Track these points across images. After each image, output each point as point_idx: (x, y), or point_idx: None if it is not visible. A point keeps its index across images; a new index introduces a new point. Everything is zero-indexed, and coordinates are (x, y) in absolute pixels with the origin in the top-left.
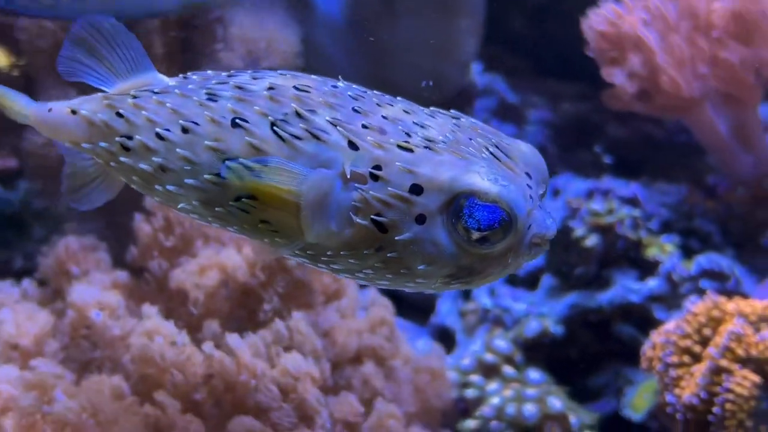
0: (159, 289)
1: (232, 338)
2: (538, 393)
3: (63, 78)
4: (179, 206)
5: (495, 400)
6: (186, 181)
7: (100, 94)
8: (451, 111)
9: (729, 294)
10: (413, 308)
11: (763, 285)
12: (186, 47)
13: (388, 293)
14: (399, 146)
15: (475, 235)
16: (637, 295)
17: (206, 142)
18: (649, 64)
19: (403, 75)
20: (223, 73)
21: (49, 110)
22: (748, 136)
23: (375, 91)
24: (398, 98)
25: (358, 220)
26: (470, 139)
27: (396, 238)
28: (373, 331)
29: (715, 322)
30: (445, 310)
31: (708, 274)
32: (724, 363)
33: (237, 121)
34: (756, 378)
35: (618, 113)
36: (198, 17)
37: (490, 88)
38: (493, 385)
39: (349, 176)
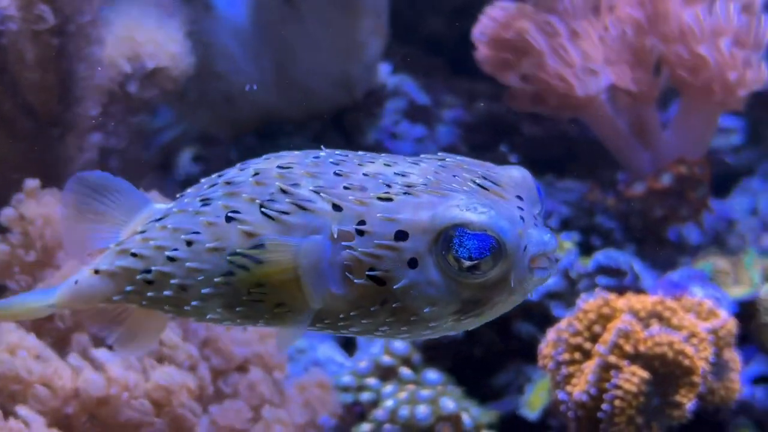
0: None
1: (100, 352)
2: (433, 394)
3: (68, 253)
4: (208, 317)
5: (389, 403)
6: (203, 291)
7: (109, 248)
8: (438, 153)
9: (625, 290)
10: None
11: (663, 279)
12: (60, 53)
13: None
14: (379, 198)
15: (466, 264)
16: (534, 292)
17: (208, 246)
18: (539, 67)
19: (309, 76)
20: (214, 175)
21: (76, 283)
22: (646, 133)
23: (358, 152)
24: (381, 154)
25: (355, 280)
26: (454, 176)
27: (394, 287)
28: (263, 341)
29: (605, 319)
30: None
31: (604, 270)
32: (612, 359)
33: (229, 215)
34: (644, 374)
35: (533, 113)
36: (70, 22)
37: (400, 90)
38: (388, 388)
39: (336, 236)
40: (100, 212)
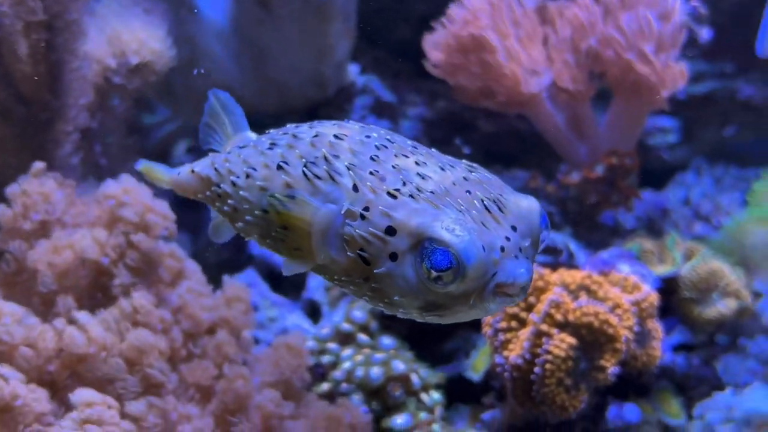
0: (19, 271)
1: (81, 314)
2: (386, 357)
3: (200, 144)
4: (248, 239)
5: (346, 365)
6: (246, 218)
7: (210, 153)
8: (473, 165)
9: (560, 266)
10: (289, 285)
11: (595, 257)
12: (50, 47)
13: (264, 269)
14: (388, 193)
15: (431, 274)
16: None
17: (258, 183)
18: (489, 66)
19: (284, 74)
20: (292, 125)
21: (179, 173)
22: (583, 127)
23: (408, 142)
24: (424, 150)
25: (348, 253)
26: (468, 191)
27: (375, 271)
28: (229, 306)
29: (540, 291)
30: (314, 286)
31: (543, 248)
32: (544, 327)
33: (281, 164)
34: (572, 340)
35: (488, 111)
36: (58, 18)
37: (368, 88)
38: (347, 351)
39: (343, 213)
40: (222, 121)
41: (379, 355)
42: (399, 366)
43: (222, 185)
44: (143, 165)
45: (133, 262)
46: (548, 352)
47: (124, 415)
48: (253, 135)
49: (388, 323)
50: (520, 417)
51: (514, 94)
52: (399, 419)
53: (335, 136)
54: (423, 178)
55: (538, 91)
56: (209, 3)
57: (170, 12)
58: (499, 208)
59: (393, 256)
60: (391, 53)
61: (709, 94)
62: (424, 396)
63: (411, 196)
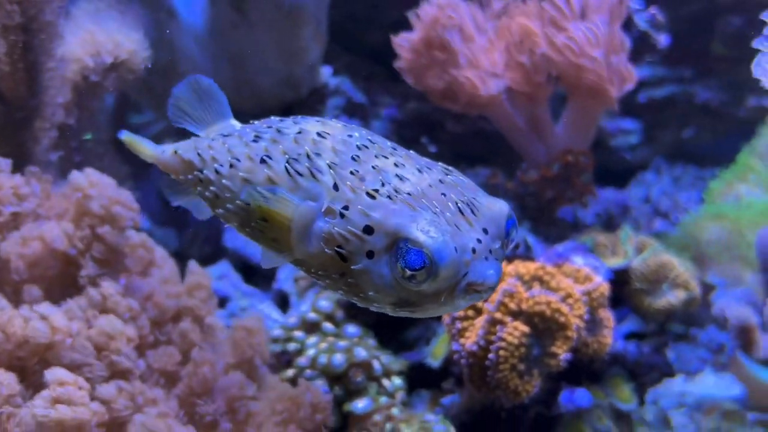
0: None
1: (43, 306)
2: (348, 345)
3: (171, 122)
4: (228, 226)
5: (310, 352)
6: (227, 206)
7: (193, 137)
8: (449, 168)
9: (517, 258)
10: (261, 276)
11: (550, 250)
12: (27, 48)
13: (237, 261)
14: (367, 193)
15: (406, 273)
16: None
17: (241, 174)
18: (451, 70)
19: (259, 76)
20: (277, 118)
21: (162, 152)
22: (540, 128)
23: (388, 143)
24: (402, 151)
25: (326, 249)
26: (443, 194)
27: (352, 267)
28: (191, 294)
29: None
30: (283, 277)
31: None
32: (498, 315)
33: (264, 158)
34: (525, 328)
35: (456, 112)
36: (34, 20)
37: (340, 89)
38: (312, 339)
39: (323, 211)
40: (199, 105)
41: (342, 343)
42: (361, 353)
43: (205, 171)
44: (126, 135)
45: (99, 253)
46: (502, 339)
47: (93, 398)
48: (236, 123)
49: (355, 312)
50: (477, 401)
51: (473, 96)
52: (360, 403)
53: (318, 134)
54: (401, 179)
55: (497, 93)
56: (187, 7)
57: (148, 15)
58: (472, 211)
59: (370, 254)
60: (364, 57)
61: (668, 97)
62: (385, 381)
63: (389, 196)
